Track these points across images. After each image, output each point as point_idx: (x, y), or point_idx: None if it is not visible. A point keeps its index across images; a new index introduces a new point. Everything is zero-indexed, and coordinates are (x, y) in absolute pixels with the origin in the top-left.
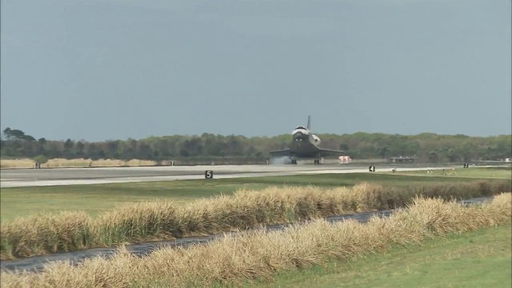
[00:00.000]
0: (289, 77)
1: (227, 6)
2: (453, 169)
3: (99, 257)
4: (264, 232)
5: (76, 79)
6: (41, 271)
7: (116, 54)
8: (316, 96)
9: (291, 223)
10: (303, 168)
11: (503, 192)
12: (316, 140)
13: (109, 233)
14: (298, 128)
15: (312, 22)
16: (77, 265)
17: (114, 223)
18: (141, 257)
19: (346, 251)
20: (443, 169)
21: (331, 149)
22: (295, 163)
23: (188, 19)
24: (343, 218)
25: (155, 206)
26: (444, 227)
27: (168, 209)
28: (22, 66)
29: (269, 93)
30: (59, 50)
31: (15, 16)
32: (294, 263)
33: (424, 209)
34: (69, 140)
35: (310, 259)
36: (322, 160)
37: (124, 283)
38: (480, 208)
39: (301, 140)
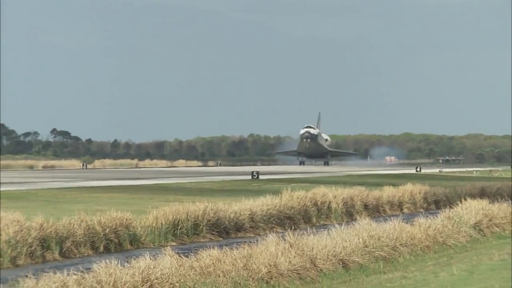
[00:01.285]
0: (334, 77)
1: (274, 7)
2: (500, 169)
3: (146, 258)
4: (311, 233)
5: (123, 80)
6: (89, 271)
7: (163, 54)
8: (362, 96)
9: (338, 224)
10: (348, 168)
11: None
12: (326, 140)
13: (155, 234)
14: (306, 127)
15: (358, 23)
16: (124, 265)
17: (161, 224)
18: (187, 257)
19: (393, 252)
20: (490, 170)
21: (342, 150)
22: (303, 164)
23: (235, 19)
24: (390, 219)
25: (202, 206)
26: (491, 228)
27: (214, 209)
28: (68, 67)
29: (315, 93)
30: (106, 50)
31: (61, 17)
32: (341, 263)
33: (470, 209)
34: (115, 140)
35: (356, 259)
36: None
37: (170, 284)
38: None
39: (309, 140)
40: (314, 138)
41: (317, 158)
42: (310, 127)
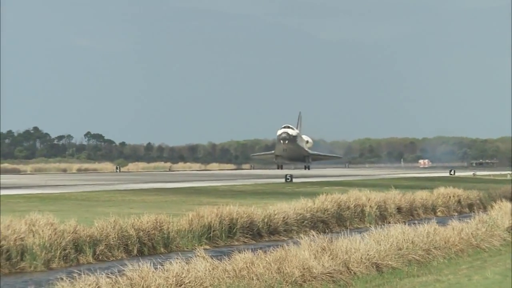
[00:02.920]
0: (366, 80)
1: (309, 10)
2: None
3: (179, 261)
4: (344, 236)
5: (156, 83)
6: (122, 275)
7: (196, 58)
8: (395, 99)
9: (372, 227)
10: (381, 172)
11: None
12: (307, 141)
13: (189, 237)
14: (284, 127)
15: (391, 26)
16: (157, 268)
17: (195, 227)
18: (221, 260)
19: (426, 255)
20: None
21: (324, 153)
22: (281, 168)
23: (269, 23)
24: (423, 222)
25: (235, 209)
26: None
27: (247, 212)
28: (102, 70)
29: (349, 97)
30: (139, 54)
31: (95, 20)
32: (374, 266)
33: (504, 212)
34: (149, 143)
35: (390, 263)
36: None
37: (204, 287)
38: None
39: (287, 142)
40: (292, 139)
41: (296, 161)
42: (289, 127)
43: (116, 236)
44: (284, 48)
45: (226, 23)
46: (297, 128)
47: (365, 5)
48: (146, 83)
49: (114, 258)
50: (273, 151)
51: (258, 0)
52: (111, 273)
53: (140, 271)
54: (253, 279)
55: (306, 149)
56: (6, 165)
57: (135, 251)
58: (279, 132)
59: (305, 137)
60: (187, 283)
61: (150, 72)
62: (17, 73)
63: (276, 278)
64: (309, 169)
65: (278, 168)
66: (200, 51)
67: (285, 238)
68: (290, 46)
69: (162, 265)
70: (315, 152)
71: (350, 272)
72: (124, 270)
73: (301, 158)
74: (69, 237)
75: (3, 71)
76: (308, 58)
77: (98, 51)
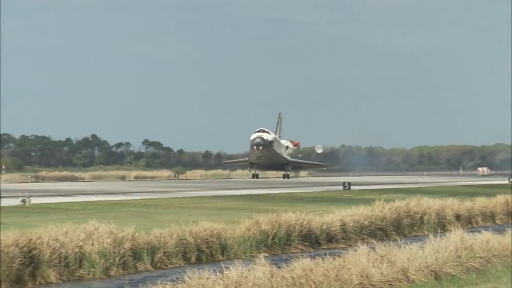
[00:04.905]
0: (427, 88)
1: (368, 18)
2: None
3: (238, 268)
4: (403, 244)
5: (214, 91)
6: (181, 282)
7: (255, 66)
8: (454, 106)
9: (430, 235)
10: (438, 179)
11: None
12: (287, 147)
13: (247, 244)
14: (259, 131)
15: (451, 33)
16: (216, 275)
17: (252, 234)
18: (279, 268)
19: (485, 263)
20: None
21: (305, 161)
22: (257, 177)
23: (329, 31)
24: (482, 230)
25: (294, 217)
26: None
27: (306, 220)
28: (159, 78)
29: (408, 104)
30: (197, 62)
31: (153, 28)
32: (433, 274)
33: None
34: (207, 151)
35: (448, 270)
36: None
37: None
38: None
39: (261, 147)
40: (268, 145)
41: (273, 170)
42: (264, 131)
43: (174, 243)
44: (342, 57)
45: (285, 31)
46: (276, 132)
47: (423, 14)
48: (204, 91)
49: (172, 265)
50: (247, 158)
51: (318, 8)
52: (171, 280)
53: (199, 278)
54: (311, 286)
55: (285, 156)
56: (65, 172)
57: (193, 259)
58: (253, 136)
59: (284, 142)
60: None
61: (207, 80)
62: (76, 81)
63: (335, 286)
64: (288, 178)
65: (253, 177)
66: (258, 58)
67: (344, 246)
68: (349, 54)
69: (221, 273)
70: (295, 160)
71: (409, 280)
72: (183, 277)
73: (279, 166)
74: (127, 245)
75: (61, 79)
76: (367, 67)
77: (156, 58)
